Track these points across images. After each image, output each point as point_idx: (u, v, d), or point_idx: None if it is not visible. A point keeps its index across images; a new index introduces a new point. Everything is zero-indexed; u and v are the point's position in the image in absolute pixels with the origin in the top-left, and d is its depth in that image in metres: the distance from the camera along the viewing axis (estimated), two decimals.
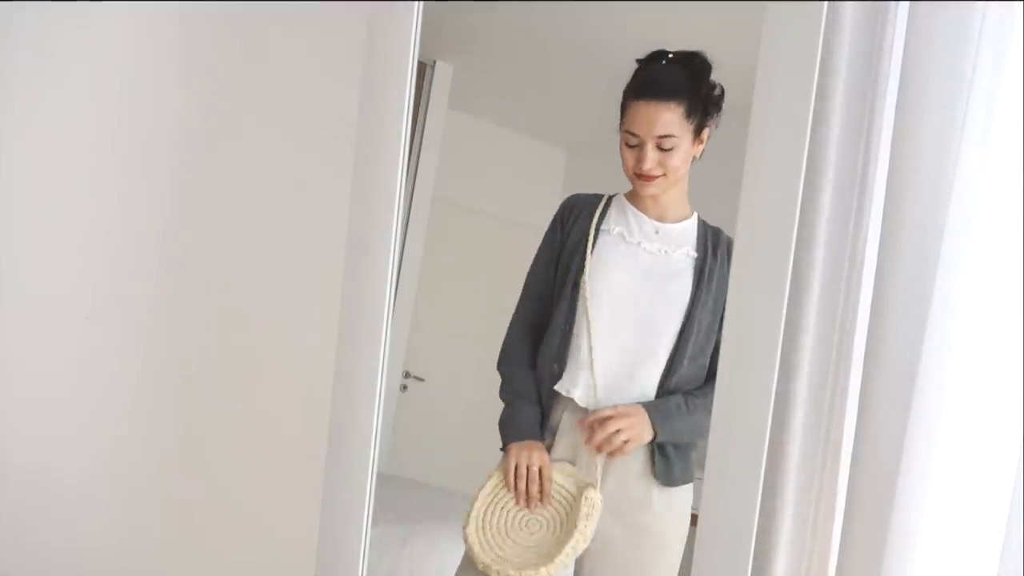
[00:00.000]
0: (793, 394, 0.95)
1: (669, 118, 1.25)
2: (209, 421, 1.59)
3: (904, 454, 0.87)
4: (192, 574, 1.59)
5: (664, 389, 1.28)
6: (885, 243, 0.91)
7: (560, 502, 1.27)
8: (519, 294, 1.43)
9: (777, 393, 0.95)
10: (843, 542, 0.92)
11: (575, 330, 1.32)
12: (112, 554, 1.54)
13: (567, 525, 1.23)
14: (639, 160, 1.28)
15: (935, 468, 0.86)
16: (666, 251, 1.32)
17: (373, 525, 1.37)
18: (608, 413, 1.23)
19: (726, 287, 1.29)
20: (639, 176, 1.29)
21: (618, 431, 1.22)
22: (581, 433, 1.27)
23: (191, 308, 1.57)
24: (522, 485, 1.26)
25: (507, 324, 1.42)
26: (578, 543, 1.21)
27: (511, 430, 1.32)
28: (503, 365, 1.40)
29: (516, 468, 1.26)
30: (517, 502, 1.27)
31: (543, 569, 1.19)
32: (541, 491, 1.26)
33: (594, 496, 1.24)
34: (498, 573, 1.20)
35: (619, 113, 1.32)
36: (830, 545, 0.93)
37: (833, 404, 0.94)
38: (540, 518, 1.27)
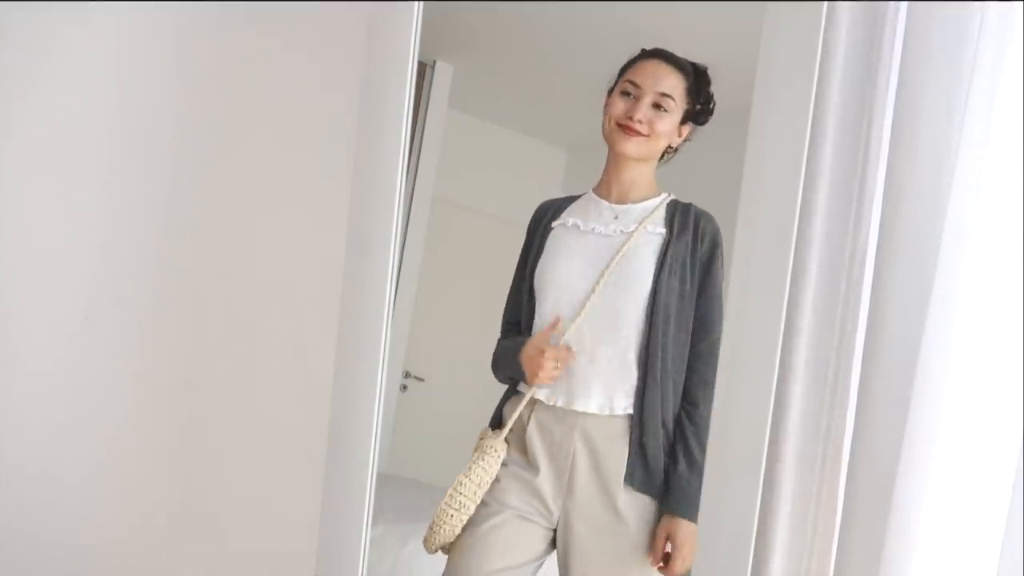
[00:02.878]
0: (792, 395, 0.95)
1: (675, 81, 1.29)
2: (209, 421, 1.59)
3: (903, 454, 0.87)
4: (192, 574, 1.59)
5: (645, 378, 1.25)
6: (883, 243, 0.91)
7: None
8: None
9: (776, 394, 0.95)
10: (841, 542, 0.92)
11: (534, 328, 1.32)
12: (112, 553, 1.54)
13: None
14: (630, 110, 1.28)
15: (934, 467, 0.86)
16: (622, 230, 1.30)
17: (373, 525, 1.37)
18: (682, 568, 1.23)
19: (692, 270, 1.28)
20: (623, 127, 1.28)
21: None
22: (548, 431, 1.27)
23: (191, 308, 1.58)
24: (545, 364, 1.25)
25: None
26: (460, 483, 1.25)
27: (510, 361, 1.31)
28: (494, 360, 1.40)
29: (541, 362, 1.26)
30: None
31: (441, 503, 1.25)
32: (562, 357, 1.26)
33: (488, 442, 1.27)
34: (427, 542, 1.29)
35: (618, 76, 1.34)
36: (830, 545, 0.93)
37: (832, 404, 0.94)
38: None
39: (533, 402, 1.29)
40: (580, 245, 1.30)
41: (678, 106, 1.29)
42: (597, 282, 1.25)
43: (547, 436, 1.27)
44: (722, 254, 1.31)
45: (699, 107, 1.32)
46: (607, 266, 1.26)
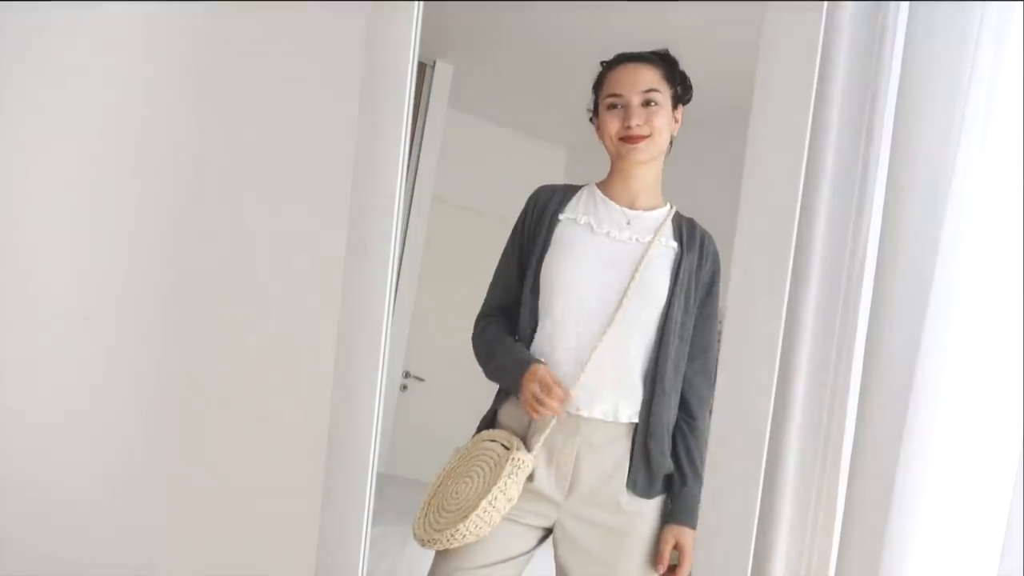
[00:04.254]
0: (792, 395, 0.95)
1: (651, 76, 1.30)
2: (209, 421, 1.59)
3: (903, 454, 0.87)
4: (192, 574, 1.59)
5: (653, 388, 1.26)
6: (884, 243, 0.91)
7: (487, 461, 1.26)
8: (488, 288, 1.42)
9: (776, 394, 0.95)
10: (842, 542, 0.92)
11: (540, 326, 1.30)
12: (111, 553, 1.54)
13: (488, 482, 1.23)
14: (625, 120, 1.28)
15: (934, 467, 0.86)
16: (637, 239, 1.29)
17: (373, 525, 1.37)
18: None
19: (696, 287, 1.30)
20: (625, 140, 1.28)
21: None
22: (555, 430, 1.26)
23: (191, 308, 1.58)
24: (548, 402, 1.22)
25: None
26: (496, 498, 1.20)
27: (509, 371, 1.28)
28: (478, 344, 1.38)
29: (535, 393, 1.23)
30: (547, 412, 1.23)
31: (460, 526, 1.19)
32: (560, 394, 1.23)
33: (520, 456, 1.22)
34: (427, 541, 1.23)
35: (595, 97, 1.35)
36: (830, 545, 0.93)
37: (832, 404, 0.94)
38: (467, 479, 1.26)
39: None
40: (594, 246, 1.29)
41: (665, 96, 1.29)
42: (624, 293, 1.25)
43: (548, 440, 1.26)
44: (720, 278, 1.33)
45: (679, 88, 1.33)
46: (631, 276, 1.26)
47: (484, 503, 1.20)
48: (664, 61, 1.32)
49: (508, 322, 1.37)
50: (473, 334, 1.39)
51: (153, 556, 1.57)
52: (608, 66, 1.34)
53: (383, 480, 1.44)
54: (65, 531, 1.51)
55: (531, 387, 1.23)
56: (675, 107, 1.32)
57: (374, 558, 1.44)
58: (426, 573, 1.32)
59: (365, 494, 1.35)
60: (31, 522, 1.49)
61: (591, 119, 1.36)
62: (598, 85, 1.35)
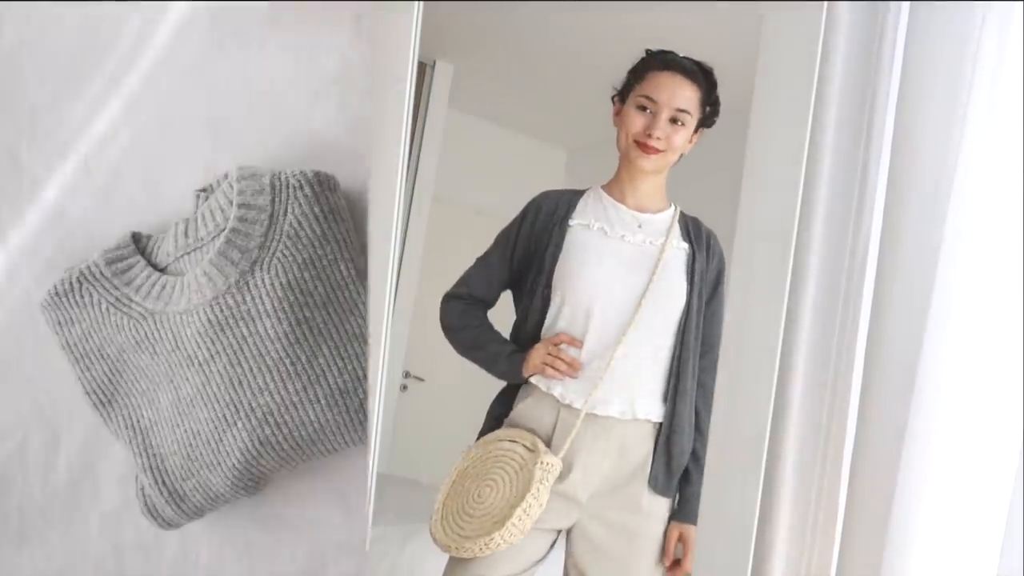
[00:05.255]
0: (792, 395, 0.96)
1: (691, 95, 1.28)
2: None
3: (904, 454, 0.87)
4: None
5: (676, 387, 1.26)
6: (885, 243, 0.91)
7: (510, 464, 1.24)
8: (463, 276, 1.42)
9: (776, 394, 0.95)
10: (842, 542, 0.92)
11: (549, 331, 1.30)
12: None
13: (518, 488, 1.20)
14: (648, 127, 1.26)
15: (935, 467, 0.86)
16: (650, 241, 1.30)
17: (373, 525, 1.37)
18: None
19: (704, 286, 1.30)
20: (640, 144, 1.27)
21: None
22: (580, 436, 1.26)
23: None
24: (563, 367, 1.26)
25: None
26: (530, 506, 1.17)
27: (509, 356, 1.32)
28: (457, 319, 1.39)
29: (550, 364, 1.27)
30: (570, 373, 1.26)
31: (496, 534, 1.16)
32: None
33: (549, 460, 1.21)
34: (455, 549, 1.19)
35: (628, 82, 1.33)
36: (830, 545, 0.93)
37: (832, 404, 0.94)
38: (491, 482, 1.23)
39: (558, 407, 1.28)
40: (610, 251, 1.29)
41: (693, 118, 1.29)
42: (643, 294, 1.25)
43: (575, 441, 1.26)
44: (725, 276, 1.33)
45: (708, 110, 1.32)
46: (649, 278, 1.26)
47: (519, 511, 1.17)
48: (707, 81, 1.30)
49: (484, 313, 1.40)
50: (447, 308, 1.41)
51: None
52: (655, 62, 1.31)
53: (383, 480, 1.44)
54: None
55: (540, 354, 1.27)
56: (696, 129, 1.31)
57: (374, 558, 1.44)
58: (426, 573, 1.32)
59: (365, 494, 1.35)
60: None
61: (613, 98, 1.35)
62: (636, 73, 1.32)
